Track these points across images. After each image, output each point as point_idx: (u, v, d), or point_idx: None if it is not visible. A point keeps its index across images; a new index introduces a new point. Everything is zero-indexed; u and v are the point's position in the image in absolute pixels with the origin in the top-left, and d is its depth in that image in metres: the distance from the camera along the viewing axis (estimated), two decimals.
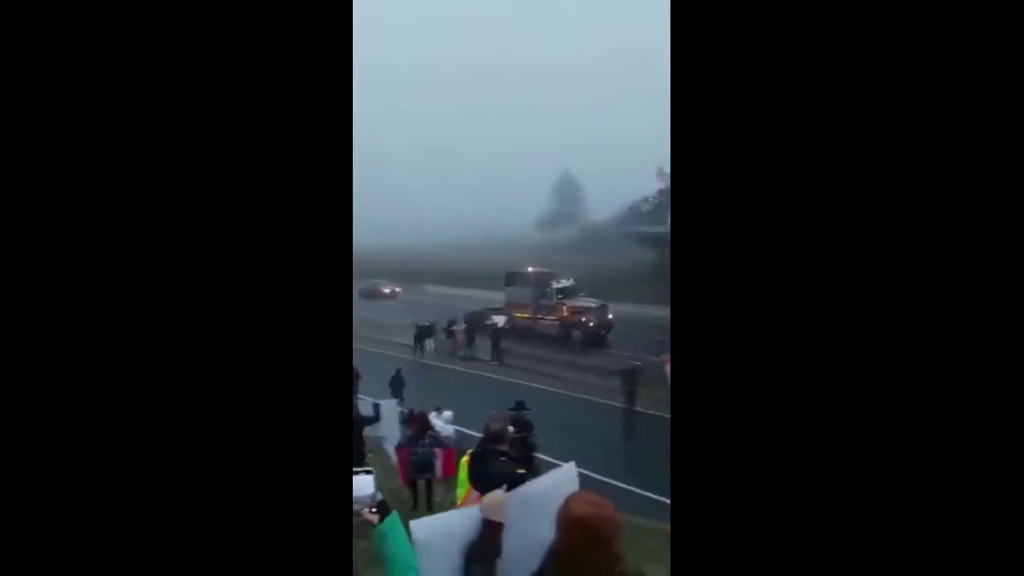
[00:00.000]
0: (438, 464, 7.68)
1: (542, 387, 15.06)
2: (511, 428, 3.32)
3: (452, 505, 7.16)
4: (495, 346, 18.93)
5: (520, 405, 5.00)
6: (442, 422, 9.01)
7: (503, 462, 2.92)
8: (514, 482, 1.79)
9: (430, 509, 7.47)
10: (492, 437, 3.05)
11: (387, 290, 33.85)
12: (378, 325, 22.40)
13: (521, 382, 15.40)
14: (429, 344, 19.82)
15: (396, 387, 13.29)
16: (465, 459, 3.37)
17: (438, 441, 7.86)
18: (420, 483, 7.61)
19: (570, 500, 1.53)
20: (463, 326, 20.33)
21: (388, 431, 8.39)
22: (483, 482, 2.61)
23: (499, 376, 16.59)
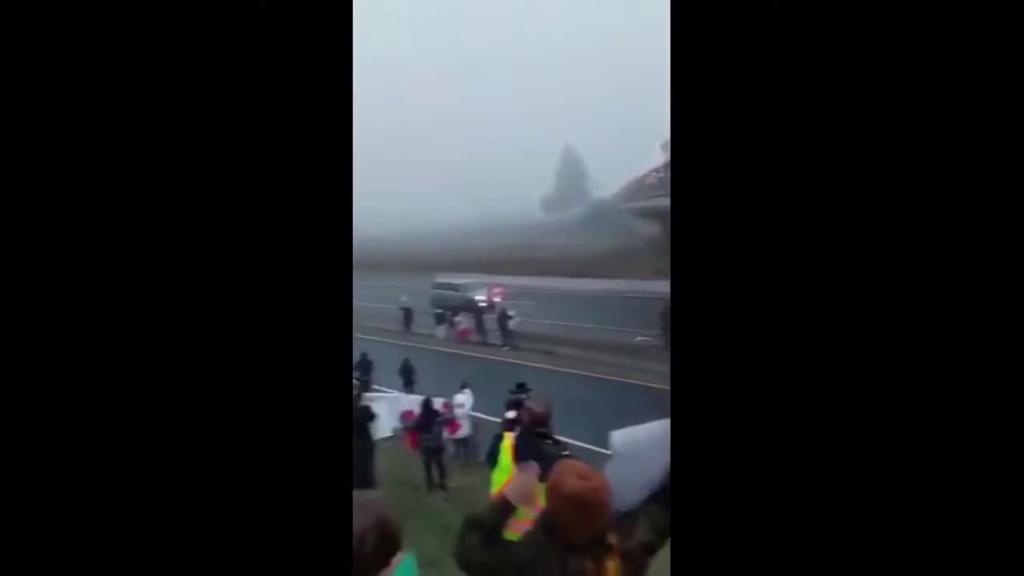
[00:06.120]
0: (446, 432, 8.13)
1: (559, 369, 14.55)
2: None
3: (468, 489, 7.34)
4: (504, 330, 18.20)
5: (522, 387, 4.67)
6: (465, 398, 9.20)
7: (549, 444, 2.78)
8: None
9: (444, 490, 7.69)
10: (536, 419, 2.86)
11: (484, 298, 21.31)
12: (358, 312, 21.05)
13: (533, 364, 14.94)
14: (440, 331, 19.58)
15: (406, 376, 13.33)
16: (507, 443, 3.04)
17: (445, 420, 8.27)
18: (433, 466, 7.87)
19: (558, 475, 1.48)
20: (470, 314, 19.81)
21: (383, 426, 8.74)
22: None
23: (510, 359, 16.26)
